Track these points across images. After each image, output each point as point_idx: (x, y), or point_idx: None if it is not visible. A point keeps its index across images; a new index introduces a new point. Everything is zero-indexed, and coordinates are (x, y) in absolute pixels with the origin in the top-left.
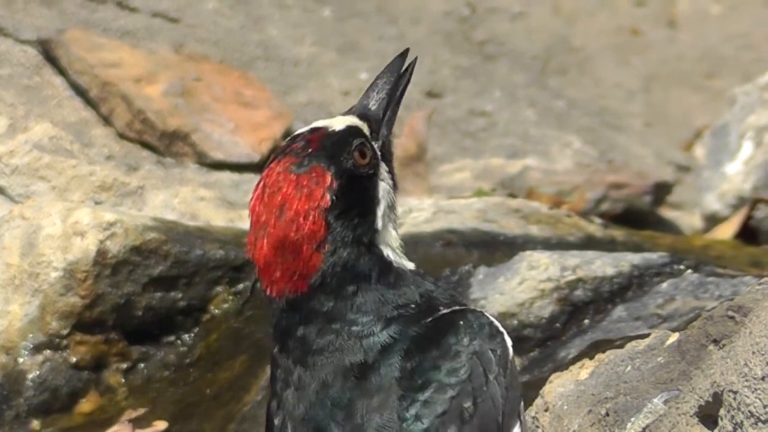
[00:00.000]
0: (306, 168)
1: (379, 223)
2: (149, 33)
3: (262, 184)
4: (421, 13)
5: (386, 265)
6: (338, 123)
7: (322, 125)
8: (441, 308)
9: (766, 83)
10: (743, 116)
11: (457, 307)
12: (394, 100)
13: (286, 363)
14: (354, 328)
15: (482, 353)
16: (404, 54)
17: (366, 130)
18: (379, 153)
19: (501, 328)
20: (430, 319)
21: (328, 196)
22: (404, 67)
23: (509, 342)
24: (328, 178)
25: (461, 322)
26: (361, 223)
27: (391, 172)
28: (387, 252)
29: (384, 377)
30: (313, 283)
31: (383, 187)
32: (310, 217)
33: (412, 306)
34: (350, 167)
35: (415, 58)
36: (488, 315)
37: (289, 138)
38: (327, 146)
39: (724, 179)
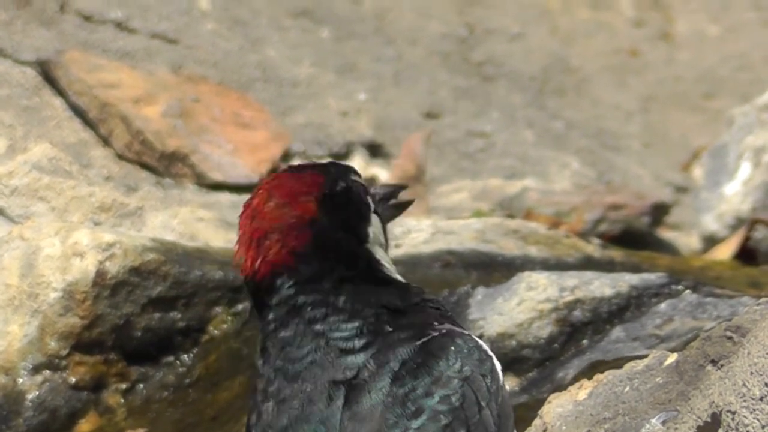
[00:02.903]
0: (303, 171)
1: (370, 233)
2: (148, 54)
3: (259, 187)
4: (419, 35)
5: (374, 261)
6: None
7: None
8: (434, 324)
9: (764, 104)
10: (741, 137)
11: (445, 329)
12: (386, 205)
13: (266, 371)
14: (335, 335)
15: (473, 379)
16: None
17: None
18: (372, 206)
19: (490, 352)
20: (419, 342)
21: (319, 189)
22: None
23: (498, 366)
24: (322, 179)
25: (452, 348)
26: (351, 223)
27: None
28: (377, 252)
29: (374, 402)
30: (298, 260)
31: (375, 220)
32: (303, 199)
33: (389, 316)
34: (349, 183)
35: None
36: (476, 338)
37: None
38: (327, 166)
39: (723, 200)
